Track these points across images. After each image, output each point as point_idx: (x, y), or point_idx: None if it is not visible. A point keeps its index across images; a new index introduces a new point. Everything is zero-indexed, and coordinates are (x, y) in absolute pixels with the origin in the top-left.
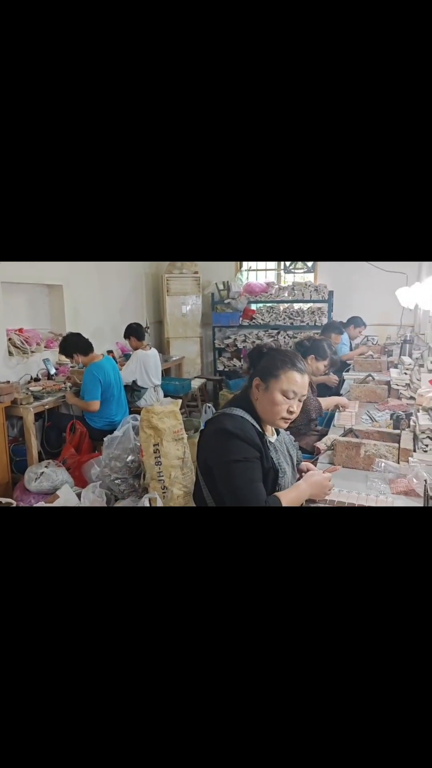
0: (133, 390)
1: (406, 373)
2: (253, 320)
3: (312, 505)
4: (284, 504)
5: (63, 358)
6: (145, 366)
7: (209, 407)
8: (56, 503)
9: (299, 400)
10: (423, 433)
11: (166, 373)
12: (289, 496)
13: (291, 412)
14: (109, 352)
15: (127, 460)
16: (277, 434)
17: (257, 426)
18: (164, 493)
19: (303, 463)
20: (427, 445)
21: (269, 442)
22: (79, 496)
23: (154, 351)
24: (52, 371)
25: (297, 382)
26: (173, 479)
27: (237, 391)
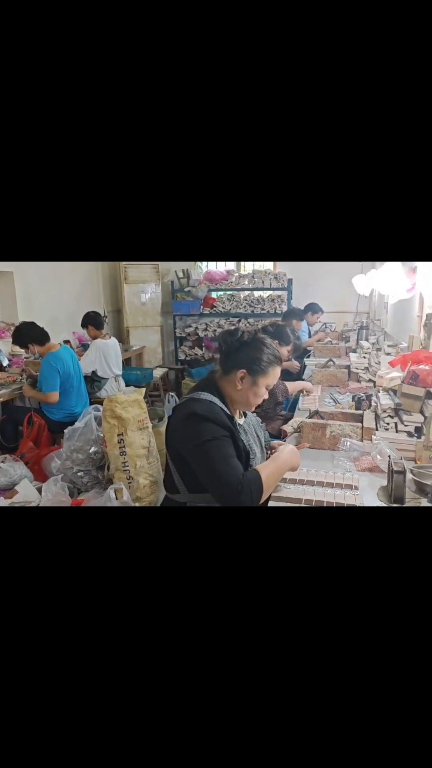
0: (93, 381)
1: (364, 357)
2: (214, 308)
3: (305, 505)
4: (264, 476)
5: (16, 348)
6: (105, 356)
7: (172, 396)
8: (15, 499)
9: None
10: (384, 412)
11: (126, 363)
12: (269, 469)
13: (264, 399)
14: (66, 342)
15: (90, 451)
16: (245, 417)
17: (226, 409)
18: (130, 483)
19: (272, 442)
20: (388, 424)
21: (238, 424)
22: (39, 490)
23: (113, 340)
24: (5, 362)
25: (278, 375)
26: (139, 469)
27: (200, 380)
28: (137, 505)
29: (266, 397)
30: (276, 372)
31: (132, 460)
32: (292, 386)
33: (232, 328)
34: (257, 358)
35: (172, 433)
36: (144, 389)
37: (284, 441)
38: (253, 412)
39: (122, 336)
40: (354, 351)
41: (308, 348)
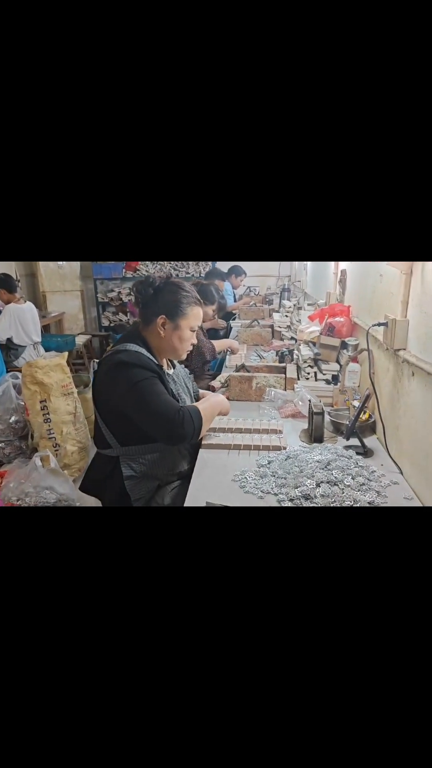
0: (9, 348)
1: (287, 316)
2: (137, 272)
3: (233, 450)
4: (201, 409)
5: None
6: (21, 321)
7: (97, 363)
8: None
9: None
10: (305, 362)
11: (45, 330)
12: (204, 405)
13: (192, 344)
14: None
15: (10, 421)
16: (174, 368)
17: (153, 359)
18: (57, 450)
19: (201, 392)
20: (308, 373)
21: (167, 374)
22: None
23: (29, 305)
24: None
25: (200, 316)
26: (65, 436)
27: (124, 333)
28: (66, 472)
29: (194, 341)
30: (196, 312)
31: (57, 426)
32: (218, 345)
33: (143, 277)
34: (174, 301)
35: (100, 385)
36: (66, 354)
37: None
38: (181, 363)
39: (38, 301)
40: (277, 312)
41: (234, 311)
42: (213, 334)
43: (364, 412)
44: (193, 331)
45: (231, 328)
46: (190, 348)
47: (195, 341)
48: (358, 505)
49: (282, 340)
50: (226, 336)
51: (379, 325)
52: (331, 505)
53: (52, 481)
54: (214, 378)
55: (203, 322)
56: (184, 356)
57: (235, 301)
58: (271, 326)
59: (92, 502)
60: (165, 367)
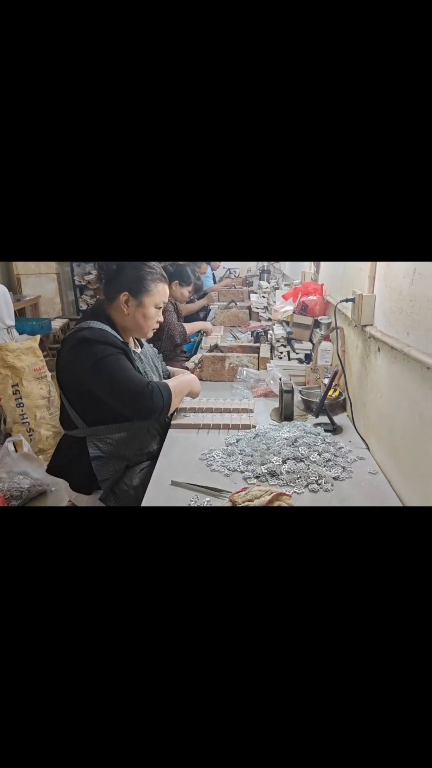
0: None
1: (264, 297)
2: None
3: (203, 429)
4: (171, 385)
5: None
6: None
7: (60, 342)
8: None
9: None
10: (278, 341)
11: (20, 314)
12: (173, 383)
13: (158, 322)
14: None
15: None
16: (141, 347)
17: (119, 336)
18: (30, 435)
19: (173, 370)
20: (281, 352)
21: (134, 352)
22: None
23: (2, 287)
24: None
25: (166, 293)
26: (39, 420)
27: (87, 311)
28: (41, 457)
29: (160, 319)
30: (161, 289)
31: (31, 411)
32: (190, 327)
33: None
34: (138, 277)
35: (64, 364)
36: (39, 336)
37: None
38: (150, 343)
39: (13, 285)
40: (255, 293)
41: (213, 293)
42: (193, 315)
43: (334, 390)
44: (159, 308)
45: (210, 309)
46: (156, 326)
47: (161, 319)
48: (330, 490)
49: (259, 321)
50: (206, 317)
51: (347, 301)
52: (296, 480)
53: (25, 467)
54: (188, 359)
55: (180, 302)
56: (150, 334)
57: (215, 282)
58: (249, 307)
59: (64, 485)
60: (132, 345)
